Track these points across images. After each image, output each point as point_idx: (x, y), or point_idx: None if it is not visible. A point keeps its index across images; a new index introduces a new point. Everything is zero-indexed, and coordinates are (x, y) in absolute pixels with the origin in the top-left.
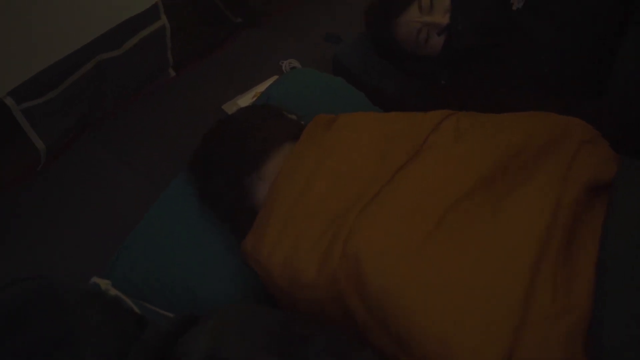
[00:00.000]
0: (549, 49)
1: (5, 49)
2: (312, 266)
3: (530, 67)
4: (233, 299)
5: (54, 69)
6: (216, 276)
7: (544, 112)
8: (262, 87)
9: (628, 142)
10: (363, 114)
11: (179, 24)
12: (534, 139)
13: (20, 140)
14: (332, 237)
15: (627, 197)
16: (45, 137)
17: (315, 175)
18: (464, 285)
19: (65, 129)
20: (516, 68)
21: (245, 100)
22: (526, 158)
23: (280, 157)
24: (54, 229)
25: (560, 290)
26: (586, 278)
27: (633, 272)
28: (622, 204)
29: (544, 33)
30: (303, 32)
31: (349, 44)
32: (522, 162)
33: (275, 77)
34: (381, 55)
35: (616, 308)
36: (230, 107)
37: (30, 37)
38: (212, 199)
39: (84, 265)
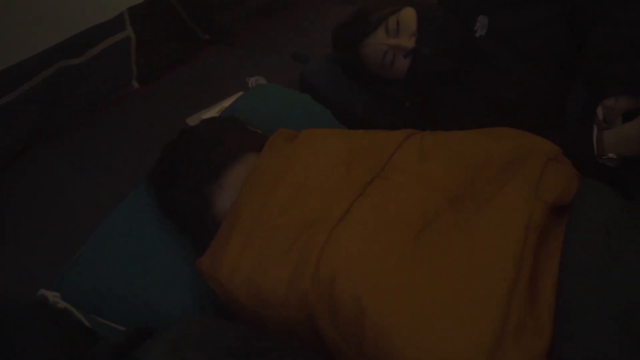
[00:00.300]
0: (509, 75)
1: None
2: (281, 285)
3: (493, 92)
4: (190, 311)
5: (11, 71)
6: (173, 288)
7: (508, 128)
8: (227, 102)
9: (586, 168)
10: (326, 130)
11: (145, 37)
12: (498, 153)
13: None
14: (301, 254)
15: (585, 222)
16: None
17: (277, 186)
18: (443, 308)
19: (20, 135)
20: (479, 93)
21: (210, 114)
22: (491, 173)
23: (243, 167)
24: (2, 237)
25: (530, 312)
26: (547, 302)
27: (590, 297)
28: (580, 228)
29: (505, 60)
30: (271, 51)
31: (316, 63)
32: (487, 177)
33: (241, 93)
34: (348, 76)
35: (574, 336)
36: (194, 121)
37: None
38: (172, 208)
39: (32, 277)
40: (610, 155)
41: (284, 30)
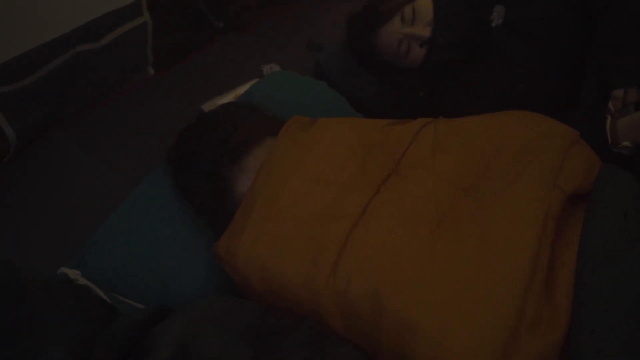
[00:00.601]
0: (523, 65)
1: None
2: (296, 279)
3: (505, 82)
4: (206, 291)
5: (29, 55)
6: (190, 269)
7: (522, 111)
8: (242, 89)
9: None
10: (342, 120)
11: (161, 24)
12: (514, 138)
13: None
14: (318, 252)
15: (602, 210)
16: (16, 125)
17: (292, 175)
18: (460, 300)
19: (38, 118)
20: (493, 83)
21: (225, 100)
22: (508, 158)
23: (262, 151)
24: (22, 218)
25: (547, 302)
26: (564, 292)
27: (605, 287)
28: (598, 216)
29: (519, 50)
30: (285, 40)
31: (331, 52)
32: (504, 163)
33: (256, 80)
34: (361, 65)
35: (588, 326)
36: (209, 107)
37: (6, 22)
38: (191, 190)
39: (52, 255)
40: (625, 143)
41: (298, 18)
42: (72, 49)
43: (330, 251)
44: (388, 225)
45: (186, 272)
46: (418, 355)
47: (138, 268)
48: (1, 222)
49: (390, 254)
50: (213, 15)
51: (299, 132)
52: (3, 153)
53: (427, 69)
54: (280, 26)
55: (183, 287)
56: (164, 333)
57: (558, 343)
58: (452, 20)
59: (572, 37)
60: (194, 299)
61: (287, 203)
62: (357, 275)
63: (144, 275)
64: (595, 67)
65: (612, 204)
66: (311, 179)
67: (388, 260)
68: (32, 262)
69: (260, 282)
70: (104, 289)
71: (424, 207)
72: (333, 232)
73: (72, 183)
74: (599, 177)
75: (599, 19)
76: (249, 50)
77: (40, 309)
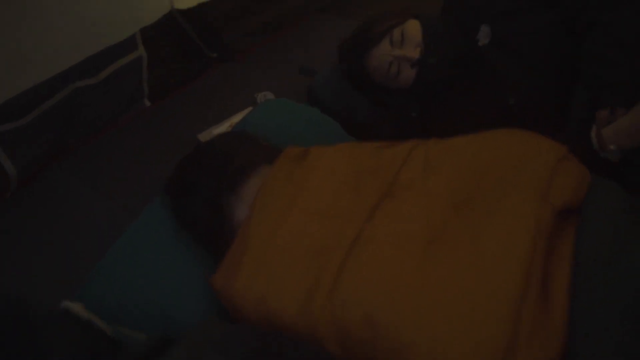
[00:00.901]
0: (512, 82)
1: None
2: (292, 308)
3: (496, 98)
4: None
5: (28, 94)
6: (192, 298)
7: (511, 129)
8: (237, 118)
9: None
10: (334, 148)
11: (156, 56)
12: (504, 155)
13: None
14: (314, 282)
15: (594, 223)
16: (17, 162)
17: (289, 211)
18: (455, 318)
19: (38, 154)
20: (483, 100)
21: (221, 129)
22: (498, 175)
23: (257, 179)
24: (25, 253)
25: (543, 316)
26: (560, 305)
27: (599, 292)
28: (590, 229)
29: (508, 67)
30: (278, 66)
31: (323, 76)
32: (494, 180)
33: (250, 109)
34: (354, 88)
35: (585, 329)
36: (205, 137)
37: (6, 62)
38: (189, 219)
39: (56, 290)
40: (611, 147)
41: (289, 45)
42: (71, 85)
43: (325, 280)
44: (381, 250)
45: (187, 300)
46: None
47: (139, 298)
48: (4, 257)
49: (384, 277)
50: (206, 46)
51: (293, 166)
52: (4, 189)
53: (418, 90)
54: (272, 53)
55: (184, 315)
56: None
57: (557, 353)
58: (440, 41)
59: (559, 52)
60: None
61: (285, 239)
62: (352, 302)
63: (146, 304)
64: (584, 82)
65: (603, 214)
66: (307, 213)
67: (381, 284)
68: (35, 296)
69: (256, 313)
70: (106, 321)
71: (416, 227)
72: (328, 262)
73: (73, 216)
74: (590, 189)
75: (587, 35)
76: (243, 79)
77: (47, 345)
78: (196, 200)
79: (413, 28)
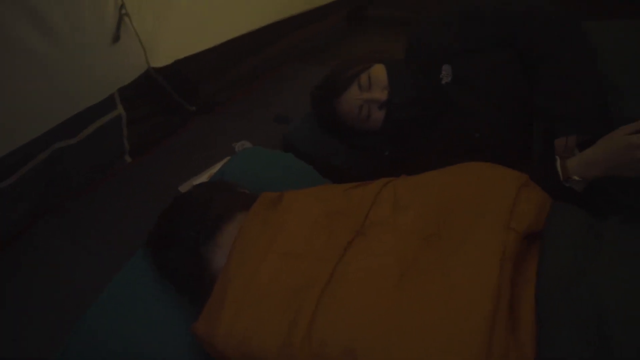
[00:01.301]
0: (476, 117)
1: None
2: (273, 347)
3: (462, 133)
4: None
5: (8, 158)
6: (177, 349)
7: (474, 162)
8: (216, 168)
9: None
10: (307, 193)
11: (135, 113)
12: (467, 188)
13: None
14: (291, 322)
15: (554, 246)
16: (1, 223)
17: (266, 254)
18: (430, 348)
19: (20, 216)
20: (450, 135)
21: (200, 180)
22: (464, 207)
23: (234, 226)
24: (8, 311)
25: (512, 339)
26: (528, 327)
27: (563, 313)
28: (551, 252)
29: (470, 103)
30: (254, 116)
31: (297, 123)
32: (461, 213)
33: (228, 158)
34: (327, 132)
35: (552, 353)
36: (186, 188)
37: None
38: (170, 269)
39: (41, 347)
40: (575, 177)
41: (265, 95)
42: (51, 146)
43: (303, 318)
44: (354, 286)
45: (172, 352)
46: None
47: (123, 351)
48: None
49: (358, 312)
50: (185, 100)
51: (268, 211)
52: None
53: (388, 129)
54: (248, 103)
55: None
56: None
57: None
58: (405, 83)
59: (516, 87)
60: None
61: (263, 282)
62: (330, 337)
63: (129, 358)
64: (538, 115)
65: (563, 236)
66: (283, 256)
67: (357, 318)
68: (19, 354)
69: (238, 357)
70: None
71: (388, 262)
72: (304, 301)
73: (57, 272)
74: (550, 214)
75: (537, 69)
76: (221, 130)
77: None
78: (176, 250)
79: (379, 72)
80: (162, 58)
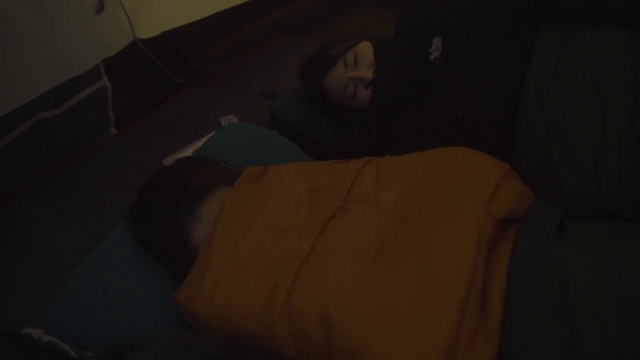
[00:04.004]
0: (462, 94)
1: None
2: (253, 316)
3: (446, 111)
4: None
5: None
6: (150, 318)
7: (458, 147)
8: (201, 142)
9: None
10: (291, 167)
11: (121, 85)
12: (449, 172)
13: None
14: (271, 292)
15: (530, 233)
16: None
17: (250, 227)
18: (402, 321)
19: (3, 184)
20: (435, 113)
21: (185, 154)
22: (444, 190)
23: (215, 200)
24: None
25: (481, 320)
26: (496, 309)
27: (535, 299)
28: (525, 237)
29: (456, 80)
30: (241, 91)
31: (284, 99)
32: (439, 195)
33: (213, 132)
34: (314, 109)
35: (521, 338)
36: (170, 162)
37: None
38: (150, 240)
39: (19, 316)
40: None
41: (253, 69)
42: (35, 116)
43: (282, 288)
44: (333, 259)
45: (148, 321)
46: None
47: (102, 321)
48: None
49: (337, 284)
50: (171, 72)
51: (252, 185)
52: None
53: (376, 108)
54: (236, 77)
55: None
56: None
57: (493, 356)
58: (392, 60)
59: (505, 68)
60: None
61: (246, 252)
62: (307, 307)
63: (109, 328)
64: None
65: (537, 226)
66: (267, 229)
67: (334, 289)
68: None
69: (218, 325)
70: (70, 345)
71: (367, 238)
72: (285, 272)
73: (40, 242)
74: (530, 205)
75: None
76: (208, 104)
77: None
78: (156, 222)
79: (365, 49)
80: (149, 29)
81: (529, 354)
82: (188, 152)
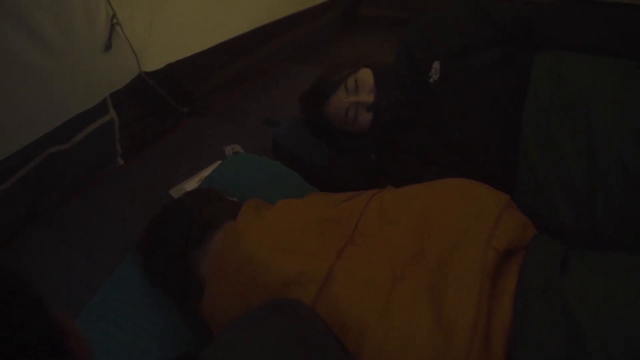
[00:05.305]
0: (458, 116)
1: None
2: None
3: (442, 133)
4: None
5: (3, 164)
6: (165, 353)
7: (458, 179)
8: (206, 172)
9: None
10: (299, 200)
11: (127, 116)
12: (450, 206)
13: None
14: None
15: (535, 264)
16: None
17: (259, 245)
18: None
19: (14, 219)
20: (432, 136)
21: (191, 184)
22: (447, 225)
23: (222, 234)
24: None
25: (485, 357)
26: (500, 343)
27: (542, 324)
28: (531, 267)
29: (454, 102)
30: (244, 119)
31: (286, 126)
32: (444, 231)
33: (219, 162)
34: (315, 135)
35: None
36: (177, 192)
37: None
38: (160, 275)
39: None
40: None
41: (256, 96)
42: (44, 152)
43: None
44: (351, 288)
45: (159, 355)
46: None
47: (112, 356)
48: None
49: (354, 314)
50: (177, 102)
51: (260, 210)
52: None
53: (376, 132)
54: (239, 105)
55: None
56: None
57: None
58: (391, 84)
59: (504, 88)
60: None
61: (257, 270)
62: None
63: None
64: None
65: (541, 261)
66: (276, 248)
67: (351, 321)
68: None
69: None
70: None
71: (380, 274)
72: (302, 296)
73: (50, 275)
74: (533, 239)
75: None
76: (212, 133)
77: None
78: (164, 256)
79: (365, 75)
80: (154, 62)
81: None
82: (194, 182)
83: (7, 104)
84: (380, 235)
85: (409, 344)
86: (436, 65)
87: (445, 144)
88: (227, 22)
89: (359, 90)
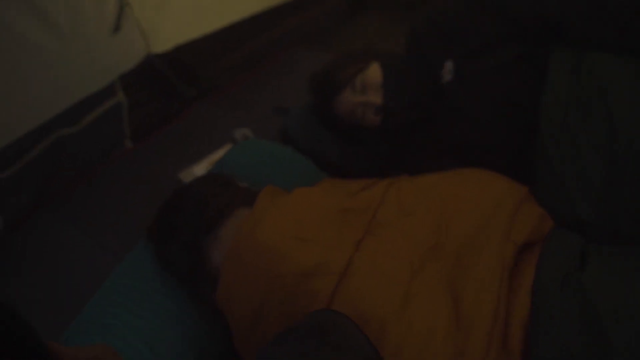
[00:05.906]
0: (472, 118)
1: None
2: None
3: (457, 134)
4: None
5: (12, 147)
6: (176, 340)
7: (475, 170)
8: (216, 156)
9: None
10: (315, 189)
11: (136, 99)
12: (469, 197)
13: None
14: (309, 303)
15: (553, 257)
16: (4, 212)
17: (276, 234)
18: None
19: (24, 203)
20: (446, 136)
21: (201, 168)
22: (465, 217)
23: (234, 221)
24: (12, 298)
25: (503, 352)
26: (517, 339)
27: (561, 316)
28: (549, 263)
29: (468, 103)
30: (254, 101)
31: (295, 115)
32: (462, 221)
33: (228, 146)
34: (325, 127)
35: (549, 346)
36: (186, 175)
37: None
38: (171, 262)
39: (43, 334)
40: None
41: (266, 81)
42: (53, 134)
43: (320, 304)
44: (369, 281)
45: (170, 342)
46: None
47: (120, 341)
48: None
49: (373, 306)
50: (185, 84)
51: (276, 198)
52: None
53: (386, 131)
54: (249, 90)
55: (164, 357)
56: None
57: None
58: (401, 86)
59: (522, 88)
60: None
61: (274, 260)
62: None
63: (126, 348)
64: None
65: (559, 255)
66: (294, 238)
67: (371, 311)
68: None
69: (251, 326)
70: None
71: (399, 266)
72: (321, 287)
73: (60, 259)
74: (550, 233)
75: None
76: (221, 116)
77: None
78: (176, 243)
79: (374, 74)
80: (162, 44)
81: None
82: (203, 165)
83: (15, 86)
84: (399, 226)
85: (429, 340)
86: (449, 64)
87: (460, 146)
88: (236, 3)
89: (366, 90)
